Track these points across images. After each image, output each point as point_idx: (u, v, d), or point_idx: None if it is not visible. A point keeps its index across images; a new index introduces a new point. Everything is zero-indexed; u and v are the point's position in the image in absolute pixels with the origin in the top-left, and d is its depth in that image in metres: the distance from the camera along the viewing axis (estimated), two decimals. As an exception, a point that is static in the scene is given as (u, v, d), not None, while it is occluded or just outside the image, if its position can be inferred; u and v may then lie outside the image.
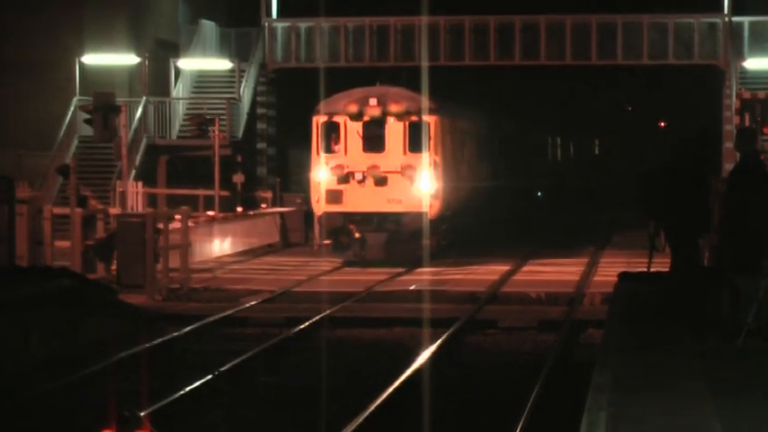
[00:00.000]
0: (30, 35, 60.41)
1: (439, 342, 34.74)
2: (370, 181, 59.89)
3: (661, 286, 29.63)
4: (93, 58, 63.18)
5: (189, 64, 68.04)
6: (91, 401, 22.60)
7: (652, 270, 32.02)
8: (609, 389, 20.74)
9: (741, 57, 68.34)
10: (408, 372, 30.25)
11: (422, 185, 59.12)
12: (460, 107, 74.06)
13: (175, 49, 68.86)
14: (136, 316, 40.55)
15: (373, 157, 60.10)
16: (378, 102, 59.71)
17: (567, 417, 21.06)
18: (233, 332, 38.25)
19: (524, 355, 34.59)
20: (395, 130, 60.26)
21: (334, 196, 59.84)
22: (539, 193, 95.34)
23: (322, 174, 59.74)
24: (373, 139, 60.39)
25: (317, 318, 39.48)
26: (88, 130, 53.71)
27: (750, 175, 25.70)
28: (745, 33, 69.13)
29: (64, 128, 61.67)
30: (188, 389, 27.04)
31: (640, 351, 24.72)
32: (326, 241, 61.22)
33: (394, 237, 59.47)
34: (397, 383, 28.85)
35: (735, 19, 68.99)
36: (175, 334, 36.08)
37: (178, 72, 68.60)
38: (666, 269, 29.48)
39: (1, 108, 60.92)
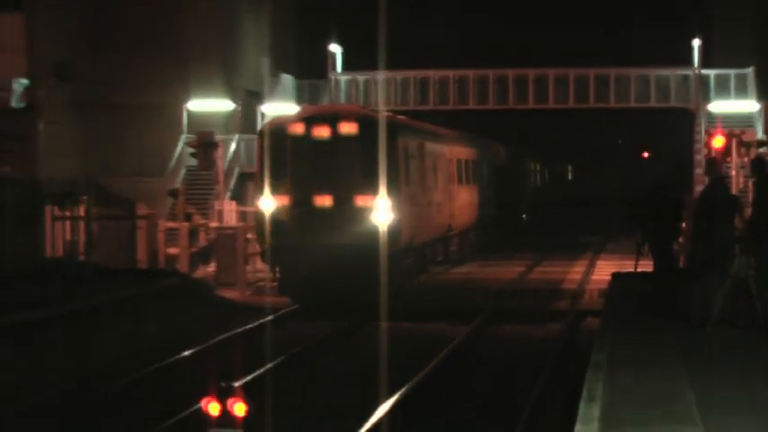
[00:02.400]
0: (147, 85, 60.21)
1: (473, 325, 34.83)
2: (321, 210, 42.25)
3: (646, 283, 29.54)
4: (197, 104, 63.39)
5: (271, 109, 67.70)
6: (194, 375, 22.55)
7: (638, 270, 31.95)
8: (604, 366, 20.70)
9: (708, 101, 68.23)
10: (454, 344, 30.58)
11: (378, 215, 40.74)
12: (439, 131, 57.83)
13: (260, 97, 68.58)
14: (229, 307, 42.05)
15: (325, 184, 42.37)
16: (327, 121, 43.10)
17: (572, 387, 20.91)
18: (303, 322, 38.31)
19: (538, 337, 34.46)
20: (347, 153, 42.67)
21: (279, 228, 41.95)
22: (523, 216, 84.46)
23: (266, 202, 42.44)
24: (325, 164, 42.70)
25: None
26: (193, 161, 55.60)
27: (716, 194, 25.80)
28: (711, 83, 68.92)
29: (174, 159, 61.60)
30: (269, 365, 27.32)
31: (630, 336, 24.64)
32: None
33: (346, 273, 40.68)
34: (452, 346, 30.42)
35: (703, 72, 68.79)
36: (260, 321, 36.46)
37: (263, 115, 68.49)
38: (650, 270, 29.43)
39: (123, 144, 60.79)
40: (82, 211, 47.68)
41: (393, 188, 41.19)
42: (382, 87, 71.59)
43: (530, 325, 37.13)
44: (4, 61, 55.31)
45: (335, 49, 72.08)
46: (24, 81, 55.20)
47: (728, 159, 50.47)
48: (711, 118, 66.81)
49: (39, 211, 47.01)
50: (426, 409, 24.34)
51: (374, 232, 39.43)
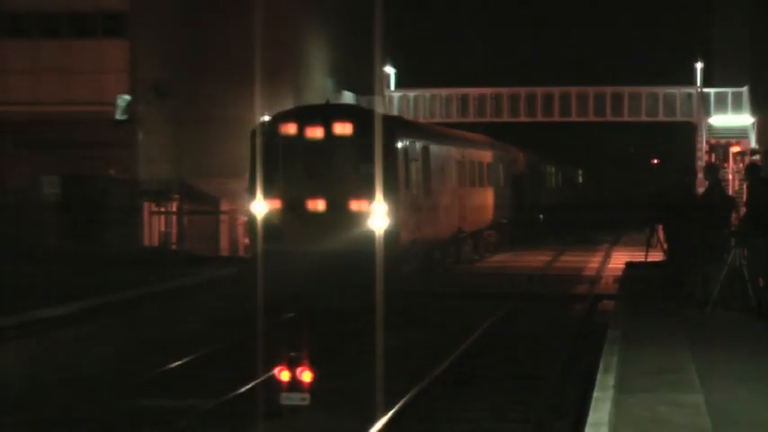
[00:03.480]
0: (229, 101, 60.20)
1: (507, 307, 34.78)
2: (315, 215, 35.69)
3: (655, 271, 29.52)
4: (271, 117, 63.44)
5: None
6: (267, 347, 22.58)
7: (648, 260, 31.94)
8: (619, 341, 20.67)
9: (708, 116, 68.19)
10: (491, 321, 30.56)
11: (375, 220, 31.52)
12: (447, 133, 50.80)
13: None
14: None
15: (319, 187, 35.81)
16: (321, 121, 36.18)
17: (591, 359, 20.91)
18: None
19: (562, 317, 34.39)
20: (343, 155, 35.90)
21: (273, 233, 34.94)
22: (540, 216, 75.52)
23: (258, 206, 35.28)
24: (319, 166, 36.18)
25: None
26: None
27: (715, 195, 25.88)
28: (711, 100, 68.81)
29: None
30: (329, 339, 27.70)
31: (640, 316, 24.57)
32: None
33: (342, 280, 34.20)
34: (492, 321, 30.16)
35: (704, 90, 68.69)
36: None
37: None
38: (656, 260, 29.47)
39: (209, 150, 60.89)
40: (174, 207, 48.24)
41: (391, 192, 34.54)
42: (429, 102, 71.63)
43: (554, 306, 37.04)
44: (110, 81, 55.58)
45: (389, 70, 72.10)
46: (127, 97, 55.54)
47: (725, 165, 50.54)
48: (712, 130, 66.97)
49: (138, 207, 47.90)
50: (468, 375, 24.39)
51: (369, 238, 30.32)
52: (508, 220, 59.80)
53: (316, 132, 34.90)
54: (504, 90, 71.35)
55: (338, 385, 22.15)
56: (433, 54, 73.71)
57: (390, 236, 32.27)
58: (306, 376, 20.09)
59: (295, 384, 20.06)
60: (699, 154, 66.84)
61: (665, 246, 28.97)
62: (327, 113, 35.85)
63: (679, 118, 70.42)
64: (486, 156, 54.02)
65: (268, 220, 33.84)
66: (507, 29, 77.84)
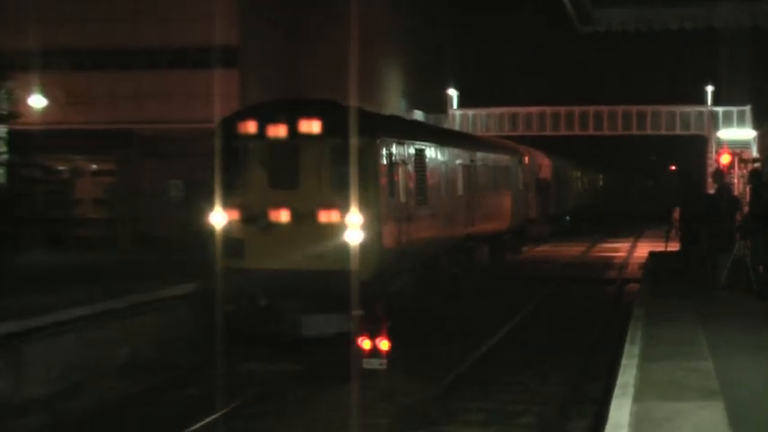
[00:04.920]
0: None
1: (548, 290, 34.67)
2: (279, 228, 24.97)
3: (673, 259, 29.34)
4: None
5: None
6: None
7: (667, 250, 31.74)
8: (642, 318, 20.52)
9: (717, 130, 68.02)
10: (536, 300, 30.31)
11: (349, 234, 24.10)
12: (452, 135, 42.47)
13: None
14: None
15: (283, 196, 25.21)
16: (285, 118, 25.28)
17: (618, 332, 20.79)
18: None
19: (595, 297, 34.27)
20: (312, 158, 25.21)
21: (233, 248, 25.28)
22: (566, 217, 68.38)
23: (216, 217, 25.37)
24: (283, 171, 25.73)
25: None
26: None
27: (722, 196, 25.78)
28: (720, 117, 68.60)
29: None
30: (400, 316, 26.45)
31: (660, 297, 24.36)
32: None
33: (313, 305, 24.44)
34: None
35: (714, 108, 68.60)
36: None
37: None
38: (675, 250, 29.29)
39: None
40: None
41: (369, 200, 24.02)
42: (485, 119, 71.61)
43: (589, 288, 36.90)
44: (224, 104, 55.84)
45: (452, 92, 72.11)
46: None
47: (732, 171, 50.23)
48: (719, 142, 66.69)
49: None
50: (518, 344, 24.38)
51: (342, 255, 23.11)
52: (530, 223, 50.23)
53: (279, 131, 24.35)
54: (548, 108, 71.24)
55: (414, 350, 22.12)
56: (488, 78, 73.58)
57: (368, 252, 23.35)
58: (383, 345, 20.11)
59: (374, 352, 20.11)
60: (709, 161, 66.53)
61: (680, 239, 28.79)
62: (293, 109, 25.00)
63: (692, 132, 70.26)
64: (503, 160, 43.71)
65: (227, 234, 24.42)
66: (551, 57, 77.69)
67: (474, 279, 35.24)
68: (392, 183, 25.53)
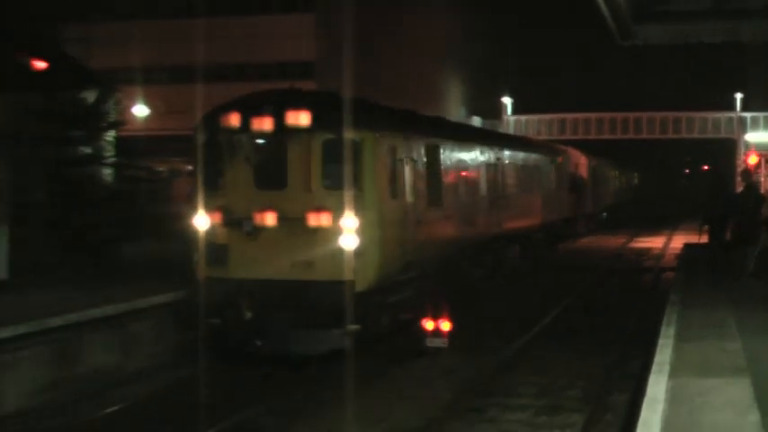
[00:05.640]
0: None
1: (591, 278, 34.55)
2: (266, 233, 19.58)
3: (706, 250, 29.14)
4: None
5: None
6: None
7: (701, 242, 31.54)
8: (677, 303, 20.42)
9: (745, 133, 67.51)
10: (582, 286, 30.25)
11: (343, 240, 19.00)
12: (469, 131, 37.12)
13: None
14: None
15: (270, 197, 19.77)
16: (271, 109, 19.59)
17: (655, 315, 20.69)
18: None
19: (634, 284, 34.10)
20: (301, 155, 19.68)
21: (216, 254, 20.06)
22: (603, 214, 65.01)
23: (200, 220, 20.20)
24: (270, 169, 20.34)
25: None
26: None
27: (750, 193, 25.59)
28: (748, 122, 68.14)
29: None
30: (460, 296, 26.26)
31: (693, 284, 24.24)
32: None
33: (303, 318, 19.05)
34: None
35: (742, 114, 68.24)
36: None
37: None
38: (706, 242, 29.12)
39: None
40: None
41: (366, 202, 19.35)
42: (536, 124, 71.43)
43: (630, 275, 36.73)
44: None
45: (506, 100, 71.99)
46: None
47: (759, 170, 49.81)
48: (747, 144, 66.12)
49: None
50: (564, 327, 24.34)
51: (335, 264, 18.78)
52: (565, 221, 45.84)
53: (263, 124, 19.34)
54: (593, 115, 71.02)
55: (469, 334, 22.15)
56: (540, 87, 73.43)
57: (365, 259, 18.94)
58: (445, 325, 20.15)
59: (437, 332, 20.15)
60: (738, 162, 65.93)
61: (709, 232, 28.59)
62: (279, 100, 19.76)
63: (723, 135, 69.73)
64: (535, 159, 38.79)
65: (210, 239, 19.81)
66: (597, 68, 77.37)
67: (505, 277, 32.44)
68: (395, 182, 20.63)
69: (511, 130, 69.03)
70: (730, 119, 69.35)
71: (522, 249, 35.69)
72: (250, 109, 19.53)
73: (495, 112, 72.02)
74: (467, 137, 29.28)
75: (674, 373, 13.45)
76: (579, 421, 15.26)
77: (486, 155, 29.80)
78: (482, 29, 72.50)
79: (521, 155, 35.55)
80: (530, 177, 36.66)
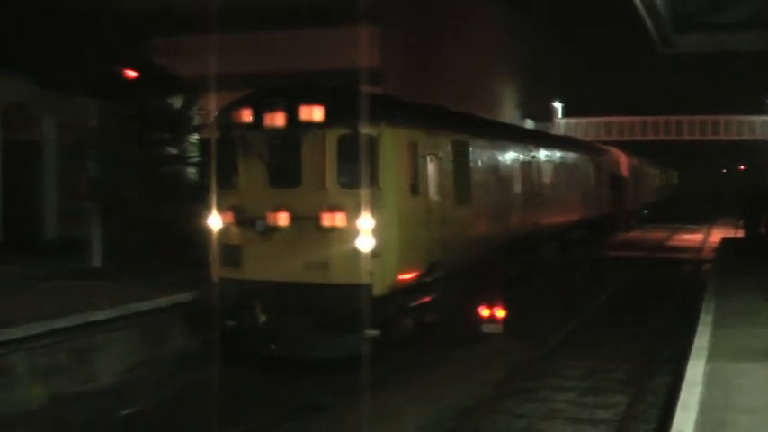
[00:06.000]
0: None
1: (634, 269, 34.35)
2: (280, 233, 17.38)
3: (742, 244, 28.91)
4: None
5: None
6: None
7: (738, 236, 31.26)
8: (715, 292, 20.30)
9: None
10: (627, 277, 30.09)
11: (359, 241, 16.65)
12: (500, 128, 30.93)
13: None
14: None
15: (284, 196, 17.53)
16: (284, 104, 17.25)
17: (695, 302, 20.56)
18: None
19: (676, 274, 33.86)
20: (314, 152, 17.32)
21: (230, 255, 18.03)
22: (644, 211, 62.91)
23: (214, 220, 18.21)
24: (284, 167, 17.92)
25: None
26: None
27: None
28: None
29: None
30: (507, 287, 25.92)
31: (730, 274, 24.06)
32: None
33: (318, 322, 16.79)
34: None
35: (778, 117, 67.88)
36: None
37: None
38: (742, 236, 28.89)
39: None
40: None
41: (384, 200, 17.10)
42: (585, 127, 71.10)
43: (671, 267, 36.47)
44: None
45: (558, 104, 71.71)
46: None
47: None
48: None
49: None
50: (610, 313, 24.26)
51: (351, 266, 16.73)
52: (605, 217, 42.47)
53: (276, 120, 17.21)
54: (637, 119, 70.55)
55: (521, 321, 22.15)
56: (589, 91, 73.09)
57: (383, 261, 16.79)
58: (499, 312, 20.17)
59: (492, 318, 20.17)
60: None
61: (744, 226, 28.33)
62: (293, 95, 17.46)
63: (758, 137, 69.06)
64: (573, 157, 35.75)
65: (224, 239, 17.97)
66: (642, 72, 76.85)
67: (546, 272, 30.19)
68: (417, 180, 18.36)
69: (561, 133, 68.73)
70: (764, 122, 68.58)
71: (561, 246, 33.28)
72: (262, 104, 17.42)
73: (547, 115, 71.70)
74: (499, 134, 26.32)
75: (711, 358, 13.40)
76: (623, 401, 15.22)
77: (521, 152, 27.37)
78: (535, 35, 72.31)
79: (558, 153, 32.96)
80: (567, 175, 33.96)
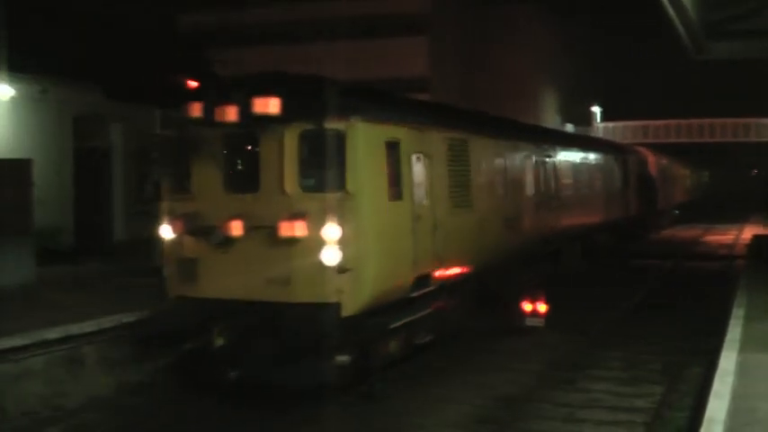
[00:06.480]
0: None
1: (670, 265, 34.14)
2: (238, 245, 14.08)
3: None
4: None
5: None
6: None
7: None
8: (746, 287, 20.21)
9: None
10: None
11: (326, 254, 13.45)
12: (477, 118, 22.20)
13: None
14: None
15: (242, 202, 14.20)
16: (237, 96, 13.55)
17: (728, 297, 20.47)
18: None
19: (709, 269, 33.64)
20: (274, 151, 13.94)
21: (185, 270, 14.52)
22: (676, 211, 60.71)
23: (165, 229, 14.73)
24: (241, 169, 14.85)
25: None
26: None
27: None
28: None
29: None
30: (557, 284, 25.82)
31: (763, 270, 23.90)
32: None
33: (283, 348, 13.18)
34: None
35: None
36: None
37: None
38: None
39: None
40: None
41: (355, 206, 13.87)
42: (621, 130, 70.68)
43: (704, 262, 36.24)
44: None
45: (596, 108, 71.36)
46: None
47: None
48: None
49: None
50: (647, 307, 24.21)
51: (316, 282, 13.73)
52: (632, 218, 39.23)
53: (228, 115, 13.90)
54: (672, 122, 70.11)
55: (563, 314, 22.17)
56: (627, 96, 72.70)
57: (354, 276, 13.76)
58: (542, 307, 20.24)
59: (534, 312, 20.23)
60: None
61: None
62: (249, 85, 14.12)
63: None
64: (595, 158, 32.41)
65: (178, 251, 14.88)
66: (676, 77, 76.23)
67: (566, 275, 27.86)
68: (399, 182, 15.01)
69: (600, 136, 68.51)
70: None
71: (585, 249, 30.40)
72: (215, 96, 14.04)
73: (587, 119, 71.41)
74: (506, 132, 22.47)
75: (742, 349, 13.41)
76: (658, 391, 15.24)
77: (533, 152, 23.85)
78: (577, 43, 72.02)
79: (578, 153, 29.72)
80: (589, 176, 30.68)
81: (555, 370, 17.01)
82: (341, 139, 13.77)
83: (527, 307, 20.28)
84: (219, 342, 13.99)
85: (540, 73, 68.35)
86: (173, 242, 14.84)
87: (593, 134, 67.39)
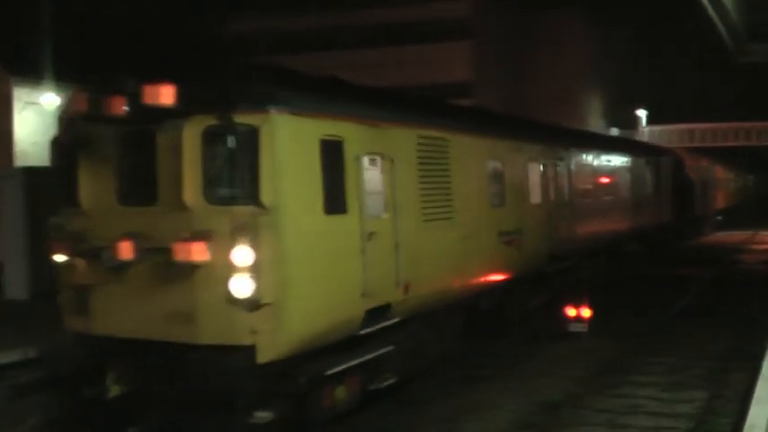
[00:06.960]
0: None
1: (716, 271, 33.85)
2: (134, 271, 10.57)
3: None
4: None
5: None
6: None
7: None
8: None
9: None
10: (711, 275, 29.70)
11: (235, 284, 10.04)
12: (462, 113, 18.83)
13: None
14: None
15: (137, 217, 10.71)
16: (126, 86, 9.78)
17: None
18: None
19: (756, 275, 33.34)
20: (173, 153, 10.28)
21: (78, 300, 10.95)
22: (718, 217, 57.17)
23: (57, 253, 11.13)
24: (137, 176, 10.83)
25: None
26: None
27: None
28: None
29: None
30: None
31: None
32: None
33: (188, 398, 10.02)
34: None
35: None
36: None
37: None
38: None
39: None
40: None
41: (277, 222, 10.44)
42: (665, 133, 70.24)
43: (750, 266, 35.87)
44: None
45: (641, 112, 70.93)
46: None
47: None
48: None
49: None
50: (691, 313, 24.04)
51: (224, 319, 10.40)
52: (665, 226, 36.00)
53: (114, 107, 10.29)
54: (716, 126, 69.59)
55: (606, 320, 22.02)
56: (672, 99, 72.29)
57: (274, 312, 10.57)
58: (585, 312, 20.15)
59: (578, 318, 20.15)
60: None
61: None
62: (141, 70, 10.56)
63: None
64: (621, 160, 28.91)
65: (71, 277, 11.69)
66: (720, 82, 75.62)
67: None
68: (341, 192, 11.81)
69: (645, 140, 68.12)
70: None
71: (609, 261, 27.51)
72: (100, 85, 10.83)
73: (632, 123, 71.05)
74: (504, 131, 18.79)
75: (786, 355, 13.27)
76: (701, 397, 15.11)
77: (541, 154, 20.48)
78: (619, 46, 71.67)
79: (600, 155, 26.20)
80: (613, 180, 27.52)
81: (598, 375, 16.93)
82: (254, 136, 10.58)
83: (571, 312, 20.20)
84: (116, 391, 11.08)
85: (583, 77, 68.05)
86: (65, 266, 11.80)
87: (638, 138, 67.04)
